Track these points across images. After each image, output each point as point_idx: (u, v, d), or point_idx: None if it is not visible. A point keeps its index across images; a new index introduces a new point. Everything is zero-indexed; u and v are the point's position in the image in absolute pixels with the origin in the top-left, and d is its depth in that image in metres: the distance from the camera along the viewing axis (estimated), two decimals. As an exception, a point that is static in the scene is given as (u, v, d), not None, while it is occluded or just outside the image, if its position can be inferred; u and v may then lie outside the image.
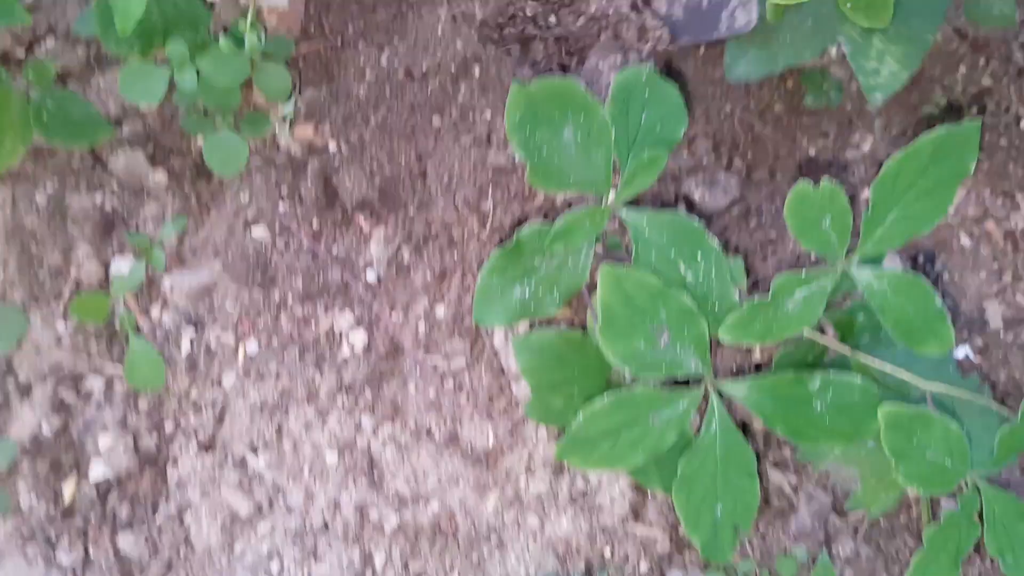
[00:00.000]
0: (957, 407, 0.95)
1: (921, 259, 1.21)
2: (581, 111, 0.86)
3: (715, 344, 0.92)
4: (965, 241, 1.25)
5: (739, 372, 1.04)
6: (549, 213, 1.11)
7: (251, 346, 1.06)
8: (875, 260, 0.87)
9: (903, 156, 0.82)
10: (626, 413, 0.83)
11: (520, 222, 1.10)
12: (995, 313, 1.21)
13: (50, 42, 1.09)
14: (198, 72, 1.00)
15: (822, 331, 0.99)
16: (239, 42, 1.01)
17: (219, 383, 1.06)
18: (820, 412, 0.86)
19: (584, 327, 1.02)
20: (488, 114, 1.14)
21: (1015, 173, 1.30)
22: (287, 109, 1.09)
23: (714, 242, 0.89)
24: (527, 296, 0.90)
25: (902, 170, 0.82)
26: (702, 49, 1.23)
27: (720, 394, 0.88)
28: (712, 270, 0.88)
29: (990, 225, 1.27)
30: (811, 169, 1.22)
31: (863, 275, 0.86)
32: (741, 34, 1.13)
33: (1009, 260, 1.24)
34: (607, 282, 0.82)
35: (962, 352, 1.17)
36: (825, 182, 0.82)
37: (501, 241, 1.10)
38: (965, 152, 0.82)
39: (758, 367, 1.05)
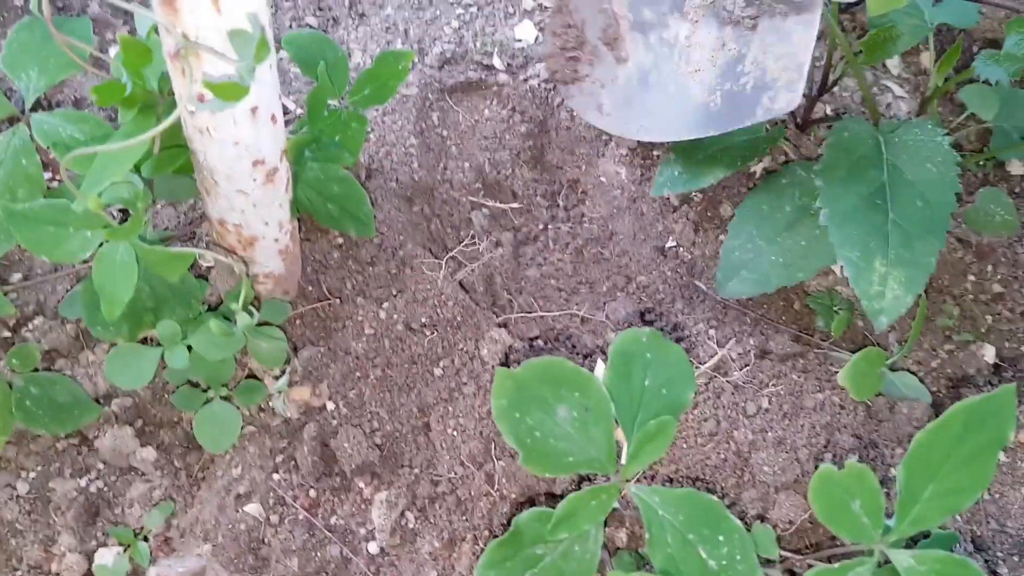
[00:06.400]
0: None
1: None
2: (575, 387, 0.75)
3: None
4: (1000, 456, 1.11)
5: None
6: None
7: (243, 639, 0.92)
8: (915, 540, 0.74)
9: (934, 428, 0.71)
10: None
11: (532, 481, 0.98)
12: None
13: (38, 320, 1.01)
14: (189, 348, 0.92)
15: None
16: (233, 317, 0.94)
17: None
18: None
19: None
20: (491, 364, 1.05)
21: (1041, 378, 1.18)
22: (284, 376, 1.00)
23: (735, 520, 0.76)
24: (533, 591, 0.77)
25: (934, 443, 0.70)
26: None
27: None
28: (736, 552, 0.75)
29: (1024, 439, 1.13)
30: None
31: (902, 559, 0.72)
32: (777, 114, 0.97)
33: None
34: (618, 589, 0.69)
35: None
36: (851, 463, 0.70)
37: (513, 506, 0.98)
38: (1002, 418, 0.70)
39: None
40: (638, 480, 0.81)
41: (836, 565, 0.70)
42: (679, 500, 0.76)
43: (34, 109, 0.86)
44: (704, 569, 0.74)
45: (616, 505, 0.97)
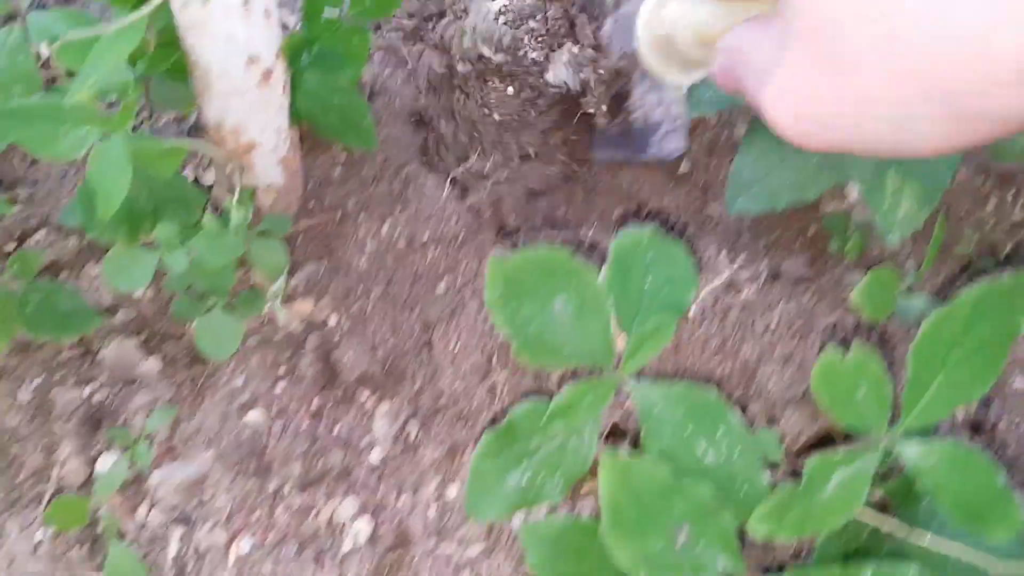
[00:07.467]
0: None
1: (973, 407, 1.04)
2: (572, 280, 0.73)
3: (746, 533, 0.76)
4: (1019, 384, 1.08)
5: (777, 567, 0.86)
6: (563, 380, 0.97)
7: (244, 544, 0.91)
8: (923, 432, 0.71)
9: (940, 316, 0.67)
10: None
11: (532, 392, 0.96)
12: (1065, 462, 1.02)
13: (41, 233, 1.00)
14: (189, 254, 0.91)
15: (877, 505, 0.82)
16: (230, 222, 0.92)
17: (208, 589, 0.91)
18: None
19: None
20: (493, 280, 1.03)
21: (1064, 307, 1.14)
22: (282, 285, 0.98)
23: (737, 417, 0.74)
24: (525, 483, 0.75)
25: (940, 332, 0.67)
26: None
27: (756, 597, 0.71)
28: (736, 449, 0.73)
29: (1045, 362, 1.09)
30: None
31: (909, 451, 0.69)
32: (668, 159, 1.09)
33: (1073, 401, 1.06)
34: (610, 476, 0.67)
35: (1034, 511, 0.98)
36: (857, 347, 0.68)
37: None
38: (1014, 307, 0.67)
39: (797, 554, 0.87)
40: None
41: (841, 453, 0.68)
42: (679, 395, 0.74)
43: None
44: (700, 464, 0.72)
45: (616, 420, 0.95)
